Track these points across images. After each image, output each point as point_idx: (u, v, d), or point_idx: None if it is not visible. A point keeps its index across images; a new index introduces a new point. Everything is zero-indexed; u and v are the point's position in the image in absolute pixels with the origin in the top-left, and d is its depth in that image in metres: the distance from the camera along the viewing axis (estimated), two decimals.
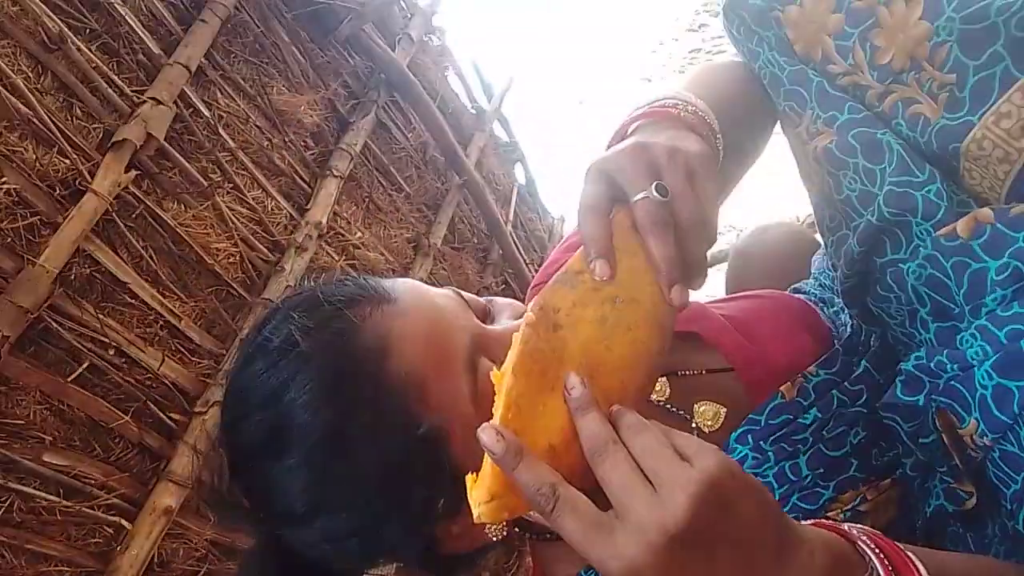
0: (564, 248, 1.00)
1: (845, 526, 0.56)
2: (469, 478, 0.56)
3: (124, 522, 1.66)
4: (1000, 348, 0.60)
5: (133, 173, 1.67)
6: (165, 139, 1.75)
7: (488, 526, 0.70)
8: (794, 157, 0.82)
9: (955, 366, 0.63)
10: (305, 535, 0.68)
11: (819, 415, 0.78)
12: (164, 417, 1.77)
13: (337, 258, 2.33)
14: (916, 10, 0.64)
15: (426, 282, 0.76)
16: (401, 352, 0.64)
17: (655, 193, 0.59)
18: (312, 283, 0.74)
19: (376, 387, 0.63)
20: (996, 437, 0.60)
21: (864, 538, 0.54)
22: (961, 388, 0.62)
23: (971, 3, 0.61)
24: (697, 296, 0.88)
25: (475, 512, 0.54)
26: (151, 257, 1.75)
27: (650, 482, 0.49)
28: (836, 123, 0.69)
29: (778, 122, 0.85)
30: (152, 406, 1.74)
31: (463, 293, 0.74)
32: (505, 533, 0.71)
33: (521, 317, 0.69)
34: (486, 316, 0.74)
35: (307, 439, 0.64)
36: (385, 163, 2.61)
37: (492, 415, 0.59)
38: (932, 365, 0.65)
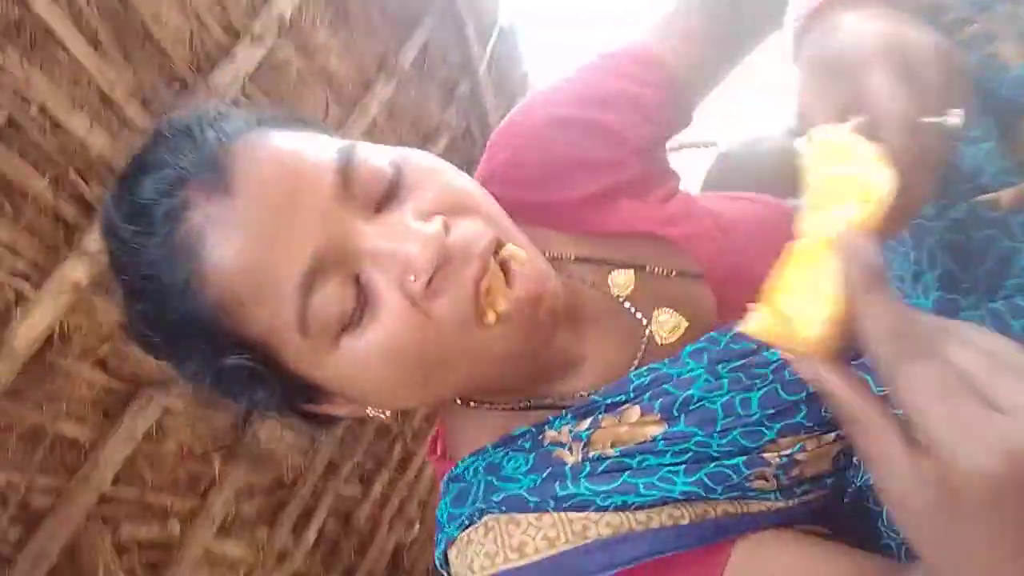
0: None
1: None
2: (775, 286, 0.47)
3: (28, 287, 1.60)
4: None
5: None
6: None
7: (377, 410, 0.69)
8: None
9: None
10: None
11: None
12: (84, 187, 1.67)
13: (295, 59, 2.19)
14: None
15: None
16: (214, 276, 0.58)
17: (959, 122, 0.48)
18: (164, 123, 0.65)
19: (188, 307, 0.59)
20: None
21: None
22: None
23: None
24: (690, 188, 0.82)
25: (805, 331, 0.44)
26: (92, 13, 1.59)
27: None
28: None
29: None
30: (73, 173, 1.64)
31: (361, 157, 0.61)
32: (387, 414, 0.69)
33: (442, 197, 0.62)
34: (393, 192, 0.62)
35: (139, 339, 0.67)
36: None
37: (323, 340, 0.59)
38: None
